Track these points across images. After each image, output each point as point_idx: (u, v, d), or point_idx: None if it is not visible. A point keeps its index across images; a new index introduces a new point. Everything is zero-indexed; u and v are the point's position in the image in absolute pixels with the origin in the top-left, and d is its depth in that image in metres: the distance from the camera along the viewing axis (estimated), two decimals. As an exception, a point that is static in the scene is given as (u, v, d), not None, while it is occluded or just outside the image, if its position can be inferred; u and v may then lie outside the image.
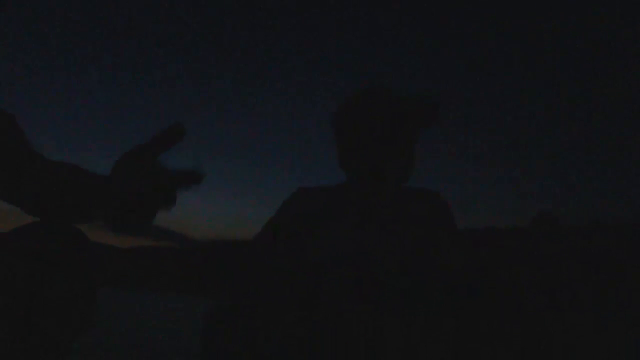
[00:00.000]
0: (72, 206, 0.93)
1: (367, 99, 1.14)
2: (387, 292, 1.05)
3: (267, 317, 1.06)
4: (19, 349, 0.87)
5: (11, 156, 0.93)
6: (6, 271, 0.91)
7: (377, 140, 1.10)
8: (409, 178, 1.14)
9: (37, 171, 0.94)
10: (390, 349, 1.04)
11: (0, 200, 0.91)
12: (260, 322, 1.07)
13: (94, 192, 0.92)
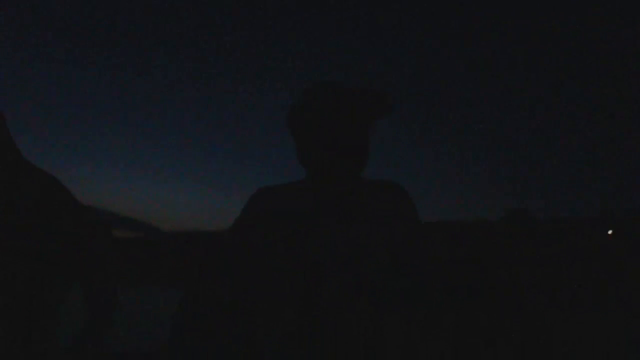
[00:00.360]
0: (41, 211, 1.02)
1: (321, 94, 1.14)
2: (386, 291, 1.08)
3: (266, 315, 1.07)
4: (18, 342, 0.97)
5: None
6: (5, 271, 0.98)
7: (334, 134, 1.11)
8: (364, 169, 1.16)
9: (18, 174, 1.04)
10: (390, 348, 1.07)
11: None
12: (257, 319, 1.08)
13: (64, 209, 1.05)
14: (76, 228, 1.13)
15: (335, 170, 1.14)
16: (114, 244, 1.22)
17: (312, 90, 1.17)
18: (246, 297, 1.13)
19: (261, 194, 1.21)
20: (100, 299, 1.19)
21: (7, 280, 1.02)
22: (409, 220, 1.18)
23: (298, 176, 1.23)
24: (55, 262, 1.09)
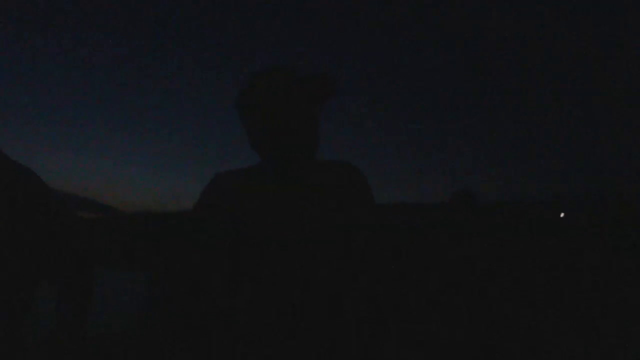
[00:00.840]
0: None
1: (269, 79, 1.14)
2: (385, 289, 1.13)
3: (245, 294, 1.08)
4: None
5: None
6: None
7: (282, 117, 1.12)
8: (316, 151, 1.18)
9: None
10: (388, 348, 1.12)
11: None
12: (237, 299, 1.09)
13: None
14: (53, 221, 1.12)
15: (287, 153, 1.16)
16: (85, 229, 1.22)
17: (260, 74, 1.17)
18: (219, 277, 1.15)
19: (219, 178, 1.23)
20: (76, 293, 1.18)
21: None
22: (363, 199, 1.22)
23: (253, 160, 1.24)
24: (34, 257, 1.08)
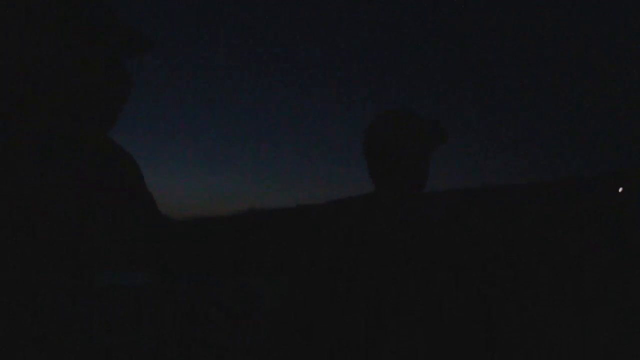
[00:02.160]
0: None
1: (396, 121, 1.32)
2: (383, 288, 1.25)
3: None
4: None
5: None
6: None
7: (406, 155, 1.29)
8: (423, 190, 1.37)
9: None
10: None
11: None
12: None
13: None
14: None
15: (399, 190, 1.33)
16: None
17: (384, 116, 1.36)
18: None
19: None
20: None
21: None
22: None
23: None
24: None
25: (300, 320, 1.31)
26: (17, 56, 0.84)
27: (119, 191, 0.96)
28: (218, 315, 1.21)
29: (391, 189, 1.34)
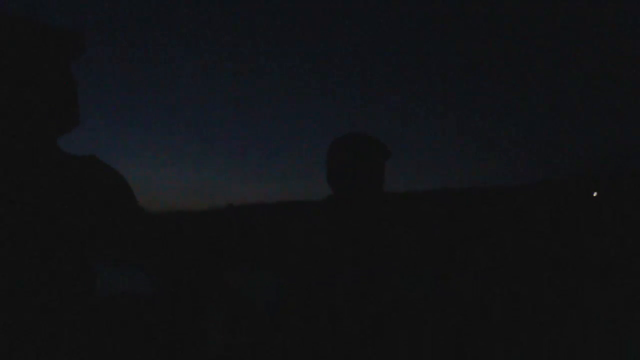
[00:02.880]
0: None
1: (351, 142, 1.58)
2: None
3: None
4: None
5: None
6: None
7: (359, 167, 1.55)
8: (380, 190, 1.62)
9: None
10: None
11: None
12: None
13: None
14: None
15: (360, 190, 1.61)
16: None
17: (348, 138, 1.60)
18: None
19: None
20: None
21: None
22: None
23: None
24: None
25: (298, 319, 1.37)
26: None
27: (100, 190, 1.01)
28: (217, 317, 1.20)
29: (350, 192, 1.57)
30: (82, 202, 0.97)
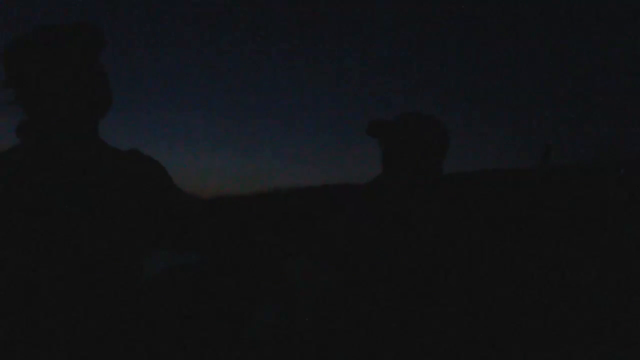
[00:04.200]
0: None
1: (434, 122, 1.43)
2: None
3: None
4: None
5: None
6: None
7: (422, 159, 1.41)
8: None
9: None
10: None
11: None
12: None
13: None
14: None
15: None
16: None
17: (409, 117, 1.44)
18: None
19: None
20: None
21: None
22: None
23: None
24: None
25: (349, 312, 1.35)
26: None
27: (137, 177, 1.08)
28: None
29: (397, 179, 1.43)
30: (132, 191, 1.05)
